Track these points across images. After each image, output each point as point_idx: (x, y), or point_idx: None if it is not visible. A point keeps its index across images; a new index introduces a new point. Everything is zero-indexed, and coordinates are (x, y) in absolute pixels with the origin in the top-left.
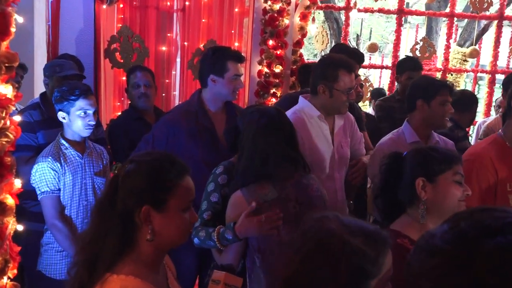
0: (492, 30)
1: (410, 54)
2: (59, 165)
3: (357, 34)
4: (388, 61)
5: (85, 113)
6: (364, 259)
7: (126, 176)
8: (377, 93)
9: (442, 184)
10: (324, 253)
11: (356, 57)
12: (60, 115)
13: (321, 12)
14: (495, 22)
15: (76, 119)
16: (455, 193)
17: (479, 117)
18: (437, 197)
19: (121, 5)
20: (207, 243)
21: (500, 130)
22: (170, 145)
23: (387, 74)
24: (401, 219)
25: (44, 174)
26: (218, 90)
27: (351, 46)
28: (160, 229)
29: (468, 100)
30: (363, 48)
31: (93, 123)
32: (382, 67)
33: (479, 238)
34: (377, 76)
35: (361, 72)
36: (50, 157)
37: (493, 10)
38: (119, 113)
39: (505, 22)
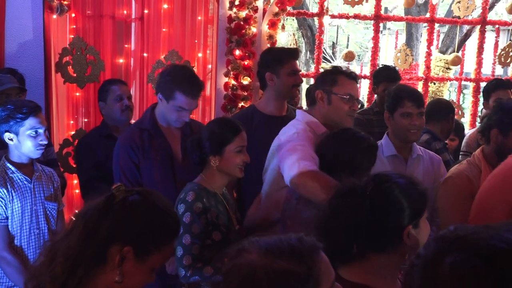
0: (475, 35)
1: (388, 63)
2: (5, 191)
3: (333, 42)
4: (367, 71)
5: (36, 132)
6: (295, 279)
7: (129, 206)
8: None
9: (422, 227)
10: None
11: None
12: (7, 136)
13: (295, 19)
14: (478, 27)
15: (26, 140)
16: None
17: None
18: (416, 243)
19: (73, 15)
20: (213, 278)
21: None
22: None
23: (366, 84)
24: (362, 266)
25: None
26: (164, 110)
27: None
28: (125, 275)
29: (443, 109)
30: (339, 57)
31: (45, 142)
32: (360, 77)
33: None
34: None
35: None
36: None
37: (475, 14)
38: (73, 132)
39: (489, 27)
